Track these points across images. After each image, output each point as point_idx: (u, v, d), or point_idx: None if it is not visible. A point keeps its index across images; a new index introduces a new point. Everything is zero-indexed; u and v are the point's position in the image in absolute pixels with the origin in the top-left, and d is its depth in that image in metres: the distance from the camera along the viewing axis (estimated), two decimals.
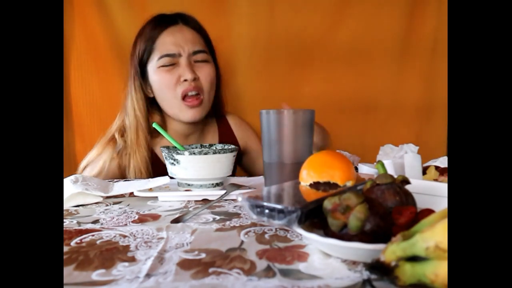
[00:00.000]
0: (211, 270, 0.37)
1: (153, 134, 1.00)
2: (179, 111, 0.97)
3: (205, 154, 0.66)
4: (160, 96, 0.98)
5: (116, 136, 0.98)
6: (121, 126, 1.00)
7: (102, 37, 1.22)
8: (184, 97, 0.95)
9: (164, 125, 1.02)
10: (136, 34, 1.01)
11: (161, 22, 0.97)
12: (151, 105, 1.01)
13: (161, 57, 0.95)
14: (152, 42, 0.96)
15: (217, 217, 0.55)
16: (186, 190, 0.68)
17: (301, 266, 0.38)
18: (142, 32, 0.98)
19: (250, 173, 1.16)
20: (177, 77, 0.95)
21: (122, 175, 0.98)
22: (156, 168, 0.98)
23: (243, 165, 1.17)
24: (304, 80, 1.31)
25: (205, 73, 0.97)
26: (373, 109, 1.33)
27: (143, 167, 0.96)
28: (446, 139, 1.30)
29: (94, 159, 0.98)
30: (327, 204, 0.39)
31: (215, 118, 1.12)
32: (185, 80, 0.94)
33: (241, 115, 1.22)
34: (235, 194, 0.65)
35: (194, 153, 0.65)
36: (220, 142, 1.08)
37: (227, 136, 1.10)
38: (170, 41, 0.95)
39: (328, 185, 0.48)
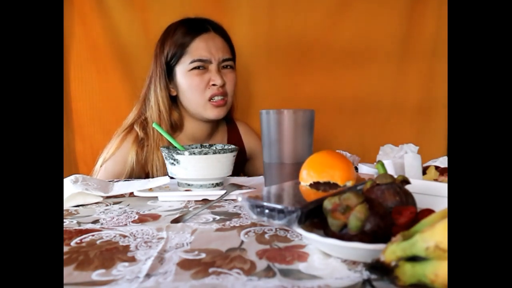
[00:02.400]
0: (211, 270, 0.37)
1: (174, 129, 1.04)
2: (204, 110, 1.02)
3: (205, 154, 0.66)
4: (187, 96, 1.02)
5: (137, 128, 1.00)
6: (138, 119, 1.03)
7: (102, 37, 1.22)
8: (210, 99, 1.01)
9: (181, 123, 1.06)
10: (162, 35, 1.04)
11: (193, 29, 1.02)
12: (171, 102, 1.05)
13: (194, 61, 0.99)
14: (184, 47, 1.00)
15: (217, 217, 0.55)
16: (186, 190, 0.68)
17: (301, 266, 0.38)
18: (172, 36, 1.02)
19: None
20: (207, 81, 1.00)
21: (142, 170, 0.99)
22: None
23: (246, 171, 1.21)
24: (304, 80, 1.31)
25: (231, 79, 1.04)
26: (373, 109, 1.33)
27: None
28: (445, 139, 1.30)
29: (114, 153, 0.99)
30: (327, 204, 0.39)
31: (225, 122, 1.16)
32: (214, 85, 1.00)
33: (241, 115, 1.22)
34: (235, 194, 0.65)
35: (194, 153, 0.65)
36: None
37: (235, 141, 1.15)
38: (203, 47, 1.00)
39: (328, 185, 0.48)
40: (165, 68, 1.02)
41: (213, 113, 1.01)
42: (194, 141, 1.07)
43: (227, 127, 1.16)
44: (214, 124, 1.10)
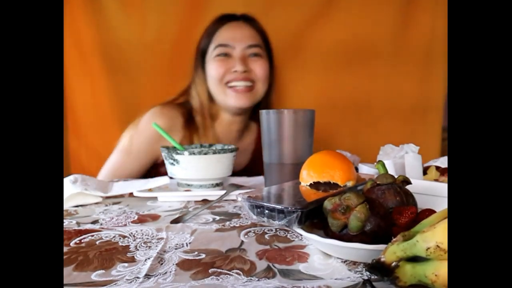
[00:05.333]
0: (211, 270, 0.37)
1: (213, 119, 1.04)
2: (225, 96, 1.00)
3: (205, 154, 0.66)
4: (210, 83, 1.02)
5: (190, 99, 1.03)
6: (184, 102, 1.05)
7: (98, 38, 1.22)
8: (230, 84, 0.99)
9: (218, 115, 1.06)
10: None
11: (223, 19, 1.03)
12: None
13: (217, 46, 0.99)
14: (211, 35, 1.01)
15: (217, 218, 0.55)
16: (186, 190, 0.67)
17: (301, 266, 0.38)
18: (207, 29, 1.03)
19: None
20: (229, 67, 0.99)
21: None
22: None
23: None
24: (303, 79, 1.31)
25: (258, 66, 1.02)
26: (373, 108, 1.33)
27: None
28: (440, 139, 1.31)
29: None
30: (328, 204, 0.39)
31: (256, 123, 1.12)
32: (235, 71, 0.99)
33: None
34: (235, 194, 0.65)
35: (194, 153, 0.65)
36: (256, 147, 1.10)
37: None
38: (227, 33, 1.00)
39: (329, 185, 0.47)
40: (201, 61, 1.03)
41: (234, 100, 0.99)
42: (227, 135, 1.05)
43: (258, 129, 1.12)
44: (244, 119, 1.07)
